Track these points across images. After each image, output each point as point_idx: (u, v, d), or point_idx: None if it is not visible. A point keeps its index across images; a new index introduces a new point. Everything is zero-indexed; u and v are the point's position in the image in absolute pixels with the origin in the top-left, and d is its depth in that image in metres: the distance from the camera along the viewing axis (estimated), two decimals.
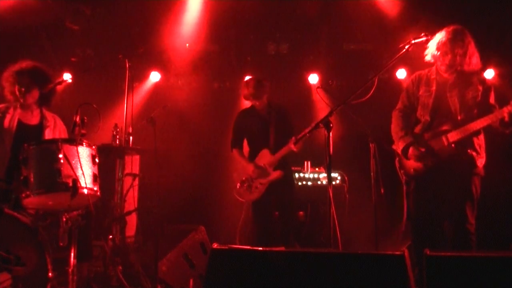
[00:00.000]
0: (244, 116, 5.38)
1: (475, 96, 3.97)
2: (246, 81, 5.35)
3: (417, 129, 4.12)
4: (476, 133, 3.94)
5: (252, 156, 5.23)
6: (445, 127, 3.97)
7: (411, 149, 4.02)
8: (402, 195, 4.24)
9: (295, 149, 4.87)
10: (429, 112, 4.04)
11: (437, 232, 4.01)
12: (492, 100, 4.02)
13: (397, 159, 4.22)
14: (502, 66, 6.67)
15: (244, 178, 5.16)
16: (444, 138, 3.95)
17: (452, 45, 3.92)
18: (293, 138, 4.78)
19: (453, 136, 3.92)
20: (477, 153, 3.95)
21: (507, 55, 6.51)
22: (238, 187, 5.19)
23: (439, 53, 3.97)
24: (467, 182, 3.93)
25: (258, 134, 5.22)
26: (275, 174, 5.05)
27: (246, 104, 5.59)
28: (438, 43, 3.97)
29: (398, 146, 4.14)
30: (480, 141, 4.01)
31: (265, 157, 5.12)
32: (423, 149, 3.99)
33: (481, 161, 3.98)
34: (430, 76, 4.13)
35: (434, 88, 4.06)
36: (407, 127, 4.16)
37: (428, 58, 4.08)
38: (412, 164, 4.07)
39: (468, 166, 3.94)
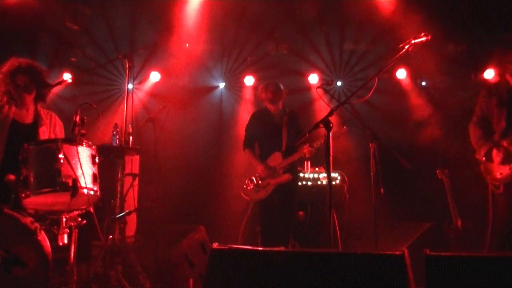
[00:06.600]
0: (258, 118, 5.46)
1: None
2: (266, 85, 5.42)
3: (495, 137, 4.38)
4: None
5: (262, 158, 5.32)
6: None
7: (494, 151, 4.29)
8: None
9: (308, 155, 5.07)
10: (504, 118, 4.29)
11: None
12: None
13: (481, 166, 4.47)
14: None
15: (252, 177, 5.25)
16: None
17: None
18: (307, 145, 5.01)
19: None
20: None
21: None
22: (245, 185, 5.28)
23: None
24: None
25: (270, 137, 5.33)
26: (284, 177, 5.19)
27: (260, 105, 5.66)
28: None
29: (480, 153, 4.42)
30: None
31: (276, 160, 5.24)
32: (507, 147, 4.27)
33: None
34: (501, 88, 4.46)
35: (506, 96, 4.35)
36: (485, 135, 4.45)
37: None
38: (497, 168, 4.31)
39: None
